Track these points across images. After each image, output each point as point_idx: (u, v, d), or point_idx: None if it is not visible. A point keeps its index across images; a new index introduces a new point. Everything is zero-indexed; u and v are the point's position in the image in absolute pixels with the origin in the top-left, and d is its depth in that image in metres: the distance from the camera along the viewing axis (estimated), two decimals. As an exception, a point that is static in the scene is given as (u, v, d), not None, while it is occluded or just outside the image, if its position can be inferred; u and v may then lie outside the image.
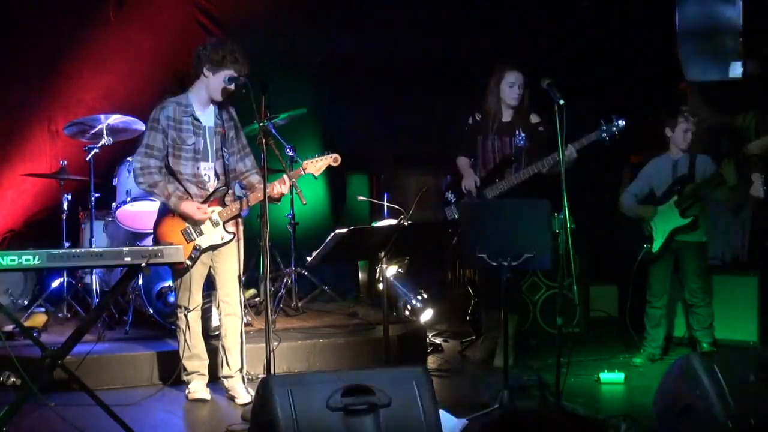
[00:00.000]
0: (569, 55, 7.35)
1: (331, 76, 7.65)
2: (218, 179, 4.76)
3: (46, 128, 6.97)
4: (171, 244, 4.47)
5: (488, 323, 5.85)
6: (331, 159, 4.78)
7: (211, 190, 4.71)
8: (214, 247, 4.71)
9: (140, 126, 6.04)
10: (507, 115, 5.66)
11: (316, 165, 4.76)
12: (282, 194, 4.70)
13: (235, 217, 4.74)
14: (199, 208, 4.63)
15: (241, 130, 4.88)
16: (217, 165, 4.75)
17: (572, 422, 4.20)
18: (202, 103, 4.73)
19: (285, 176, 4.67)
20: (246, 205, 4.73)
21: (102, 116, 5.92)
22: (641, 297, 5.80)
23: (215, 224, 4.68)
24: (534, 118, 5.63)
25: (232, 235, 4.72)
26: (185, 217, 4.64)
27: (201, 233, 4.68)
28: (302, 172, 4.75)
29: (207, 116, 4.75)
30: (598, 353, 5.95)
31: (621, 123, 5.15)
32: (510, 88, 5.57)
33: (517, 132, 5.59)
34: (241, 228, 4.82)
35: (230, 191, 4.78)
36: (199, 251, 4.66)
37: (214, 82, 4.65)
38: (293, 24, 7.45)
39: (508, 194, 5.51)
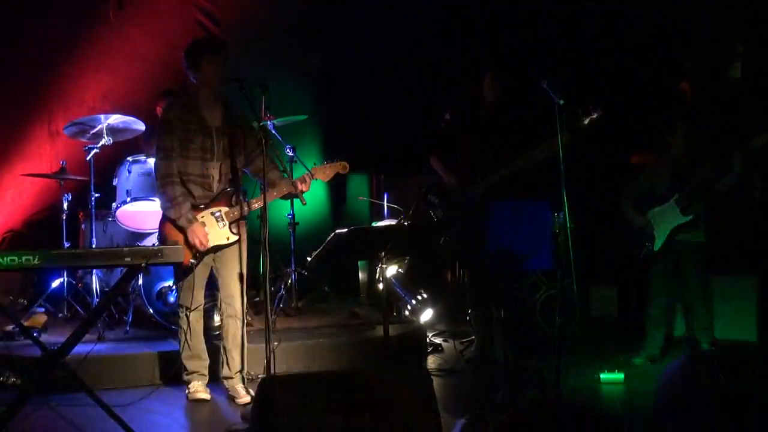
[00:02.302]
0: (569, 55, 7.34)
1: (331, 75, 7.65)
2: (224, 180, 4.75)
3: (46, 128, 6.97)
4: (177, 242, 4.47)
5: (476, 323, 5.85)
6: (339, 167, 4.81)
7: (216, 192, 4.70)
8: (218, 248, 4.71)
9: (140, 126, 6.04)
10: (487, 113, 5.65)
11: (325, 171, 4.80)
12: (304, 191, 4.70)
13: (240, 219, 4.74)
14: (202, 240, 4.59)
15: (253, 130, 4.82)
16: (224, 165, 4.72)
17: (573, 420, 4.19)
18: (209, 103, 4.71)
19: (305, 175, 4.68)
20: (253, 207, 4.72)
21: (102, 116, 5.91)
22: (641, 297, 5.80)
23: (221, 225, 4.68)
24: (511, 117, 5.63)
25: (237, 236, 4.71)
26: (185, 233, 4.61)
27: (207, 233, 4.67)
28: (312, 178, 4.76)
29: (214, 116, 4.72)
30: (598, 353, 5.95)
31: (595, 115, 5.10)
32: (492, 85, 5.57)
33: (496, 129, 5.57)
34: (245, 229, 4.81)
35: (238, 192, 4.75)
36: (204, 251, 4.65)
37: (205, 75, 4.63)
38: (293, 24, 7.45)
39: (490, 191, 5.50)
